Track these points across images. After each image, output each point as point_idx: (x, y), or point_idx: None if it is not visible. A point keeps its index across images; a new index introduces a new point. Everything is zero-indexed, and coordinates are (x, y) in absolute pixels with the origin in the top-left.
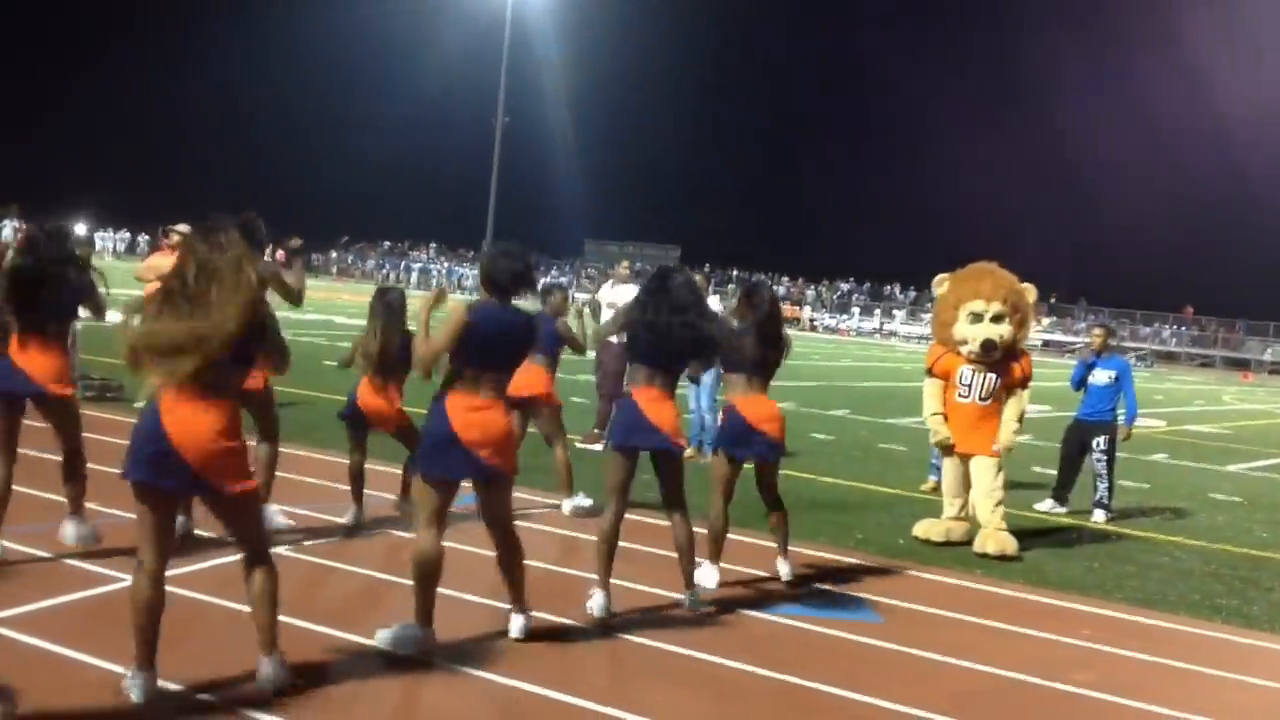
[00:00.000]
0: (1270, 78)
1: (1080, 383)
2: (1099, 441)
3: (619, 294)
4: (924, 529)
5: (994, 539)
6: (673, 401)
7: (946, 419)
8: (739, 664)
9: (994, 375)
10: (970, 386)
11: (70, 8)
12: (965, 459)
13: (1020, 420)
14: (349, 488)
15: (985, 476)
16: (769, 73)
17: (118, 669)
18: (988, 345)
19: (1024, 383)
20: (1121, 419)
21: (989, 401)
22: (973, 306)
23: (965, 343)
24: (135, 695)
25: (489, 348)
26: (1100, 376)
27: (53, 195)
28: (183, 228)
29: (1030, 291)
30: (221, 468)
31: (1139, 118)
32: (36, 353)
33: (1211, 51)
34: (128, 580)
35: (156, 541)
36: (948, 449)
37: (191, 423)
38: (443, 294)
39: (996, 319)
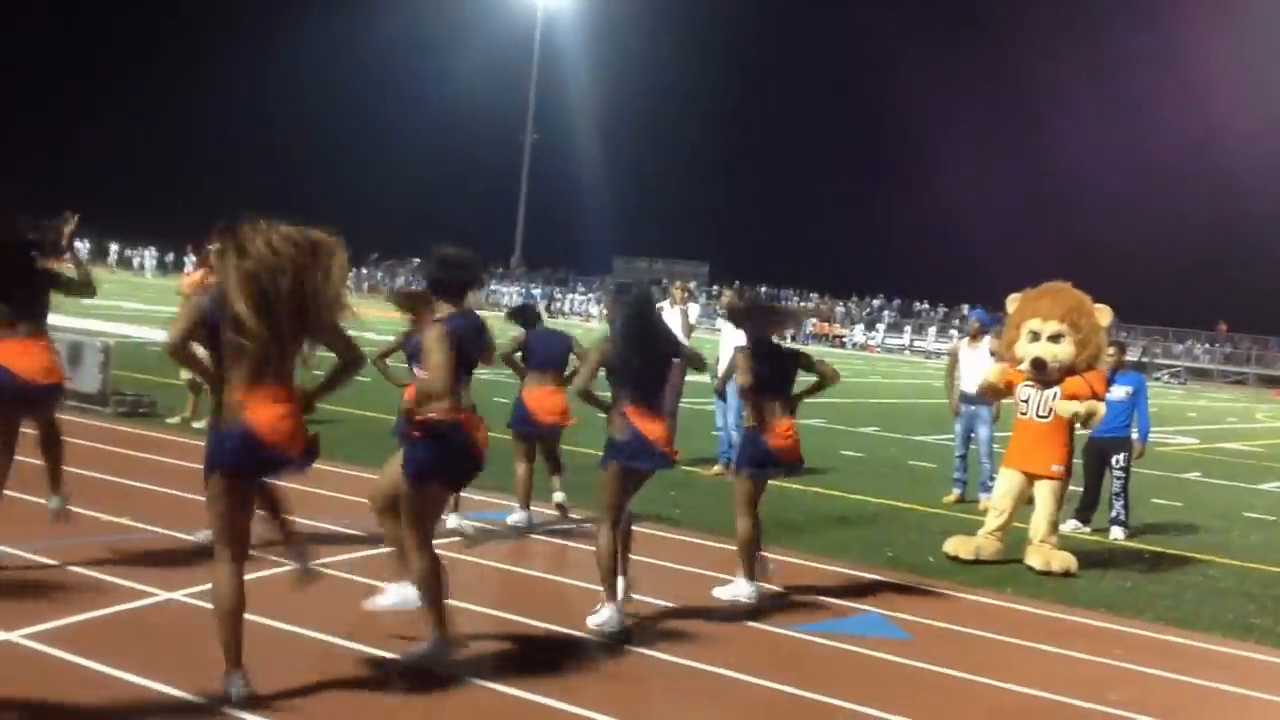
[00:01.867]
0: None
1: None
2: (1118, 459)
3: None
4: (954, 546)
5: (1043, 555)
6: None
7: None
8: (766, 681)
9: (1052, 393)
10: (1029, 403)
11: (102, 25)
12: (1029, 477)
13: (1083, 416)
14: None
15: (1050, 502)
16: (799, 89)
17: (147, 683)
18: (1037, 363)
19: (1094, 399)
20: (1136, 436)
21: (1049, 418)
22: (1031, 325)
23: (1021, 361)
24: (237, 695)
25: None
26: (1117, 392)
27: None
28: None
29: (1104, 313)
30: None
31: (1178, 131)
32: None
33: (1249, 60)
34: (158, 595)
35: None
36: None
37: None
38: None
39: (1054, 338)
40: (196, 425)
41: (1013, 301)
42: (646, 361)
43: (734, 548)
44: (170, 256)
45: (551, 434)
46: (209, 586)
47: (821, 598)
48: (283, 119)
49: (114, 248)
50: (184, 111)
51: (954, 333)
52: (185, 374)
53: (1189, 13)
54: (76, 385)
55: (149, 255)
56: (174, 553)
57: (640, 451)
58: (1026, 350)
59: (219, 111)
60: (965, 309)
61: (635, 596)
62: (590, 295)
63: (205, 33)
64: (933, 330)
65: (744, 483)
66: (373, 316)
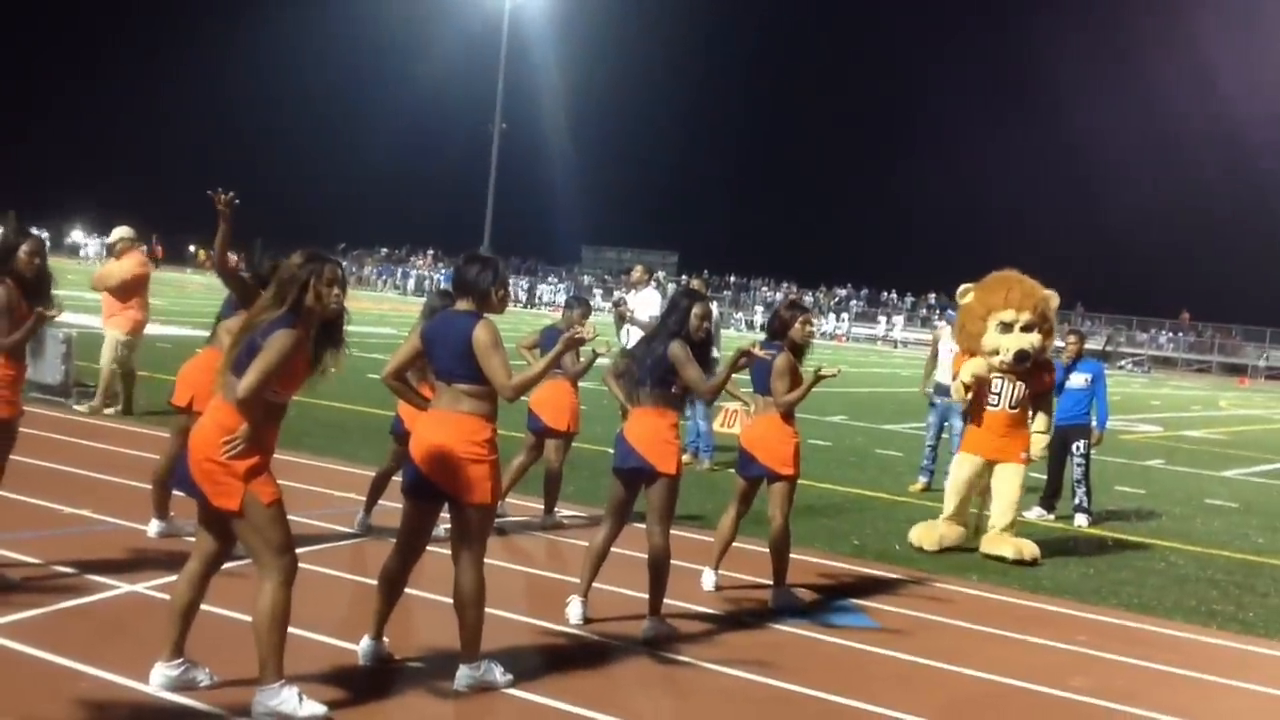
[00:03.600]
0: (1270, 82)
1: (1060, 388)
2: (1078, 445)
3: (641, 302)
4: (919, 535)
5: (1013, 544)
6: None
7: (973, 422)
8: (732, 670)
9: (1023, 384)
10: (1001, 395)
11: (66, 14)
12: (989, 465)
13: (1047, 430)
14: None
15: (1013, 485)
16: (766, 79)
17: (111, 677)
18: (1021, 356)
19: (1050, 391)
20: (1095, 423)
21: (1018, 409)
22: (1003, 316)
23: (996, 352)
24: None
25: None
26: (1076, 380)
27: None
28: (123, 231)
29: (1054, 299)
30: None
31: (1137, 124)
32: None
33: (1212, 57)
34: (120, 589)
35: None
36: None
37: None
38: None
39: (1026, 328)
40: (108, 412)
41: (966, 292)
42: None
43: (703, 538)
44: (144, 248)
45: (559, 439)
46: (170, 579)
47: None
48: (249, 110)
49: (81, 237)
50: (147, 104)
51: (938, 323)
52: (109, 362)
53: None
54: (38, 376)
55: (102, 243)
56: (134, 545)
57: (619, 453)
58: (1000, 341)
59: (184, 103)
60: (931, 298)
61: (605, 587)
62: (559, 285)
63: (170, 19)
64: (900, 319)
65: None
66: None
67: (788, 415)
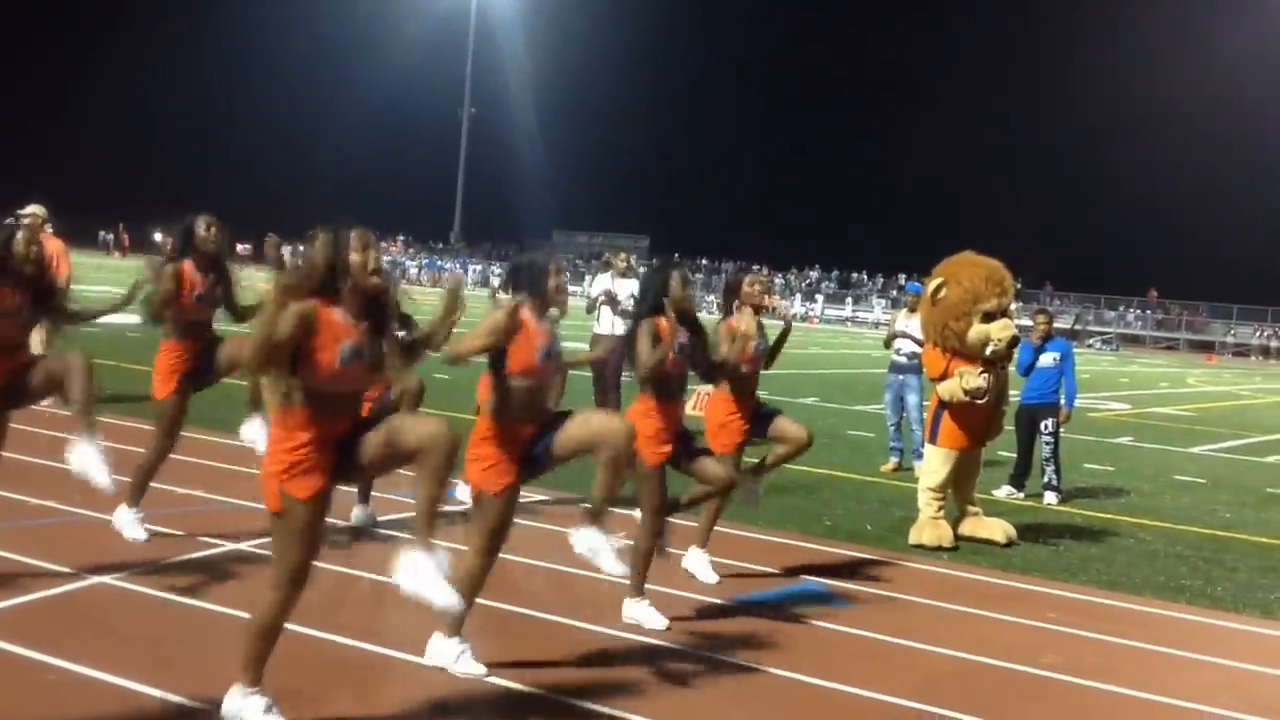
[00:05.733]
0: (1223, 62)
1: (1029, 368)
2: (1047, 424)
3: (621, 289)
4: (927, 537)
5: (1000, 526)
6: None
7: (955, 415)
8: (703, 651)
9: (1000, 370)
10: (989, 388)
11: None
12: (965, 453)
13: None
14: None
15: (980, 465)
16: (734, 60)
17: (80, 670)
18: (1014, 341)
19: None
20: (1063, 401)
21: (1001, 395)
22: (987, 307)
23: (987, 344)
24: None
25: None
26: (1044, 359)
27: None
28: (35, 209)
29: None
30: None
31: (1099, 101)
32: None
33: (1163, 34)
34: (88, 580)
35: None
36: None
37: None
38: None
39: (1005, 311)
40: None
41: (940, 286)
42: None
43: (686, 523)
44: (111, 237)
45: None
46: (132, 569)
47: (760, 567)
48: (216, 97)
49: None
50: (108, 86)
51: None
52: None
53: None
54: None
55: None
56: (100, 535)
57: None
58: (990, 331)
59: (147, 89)
60: (902, 279)
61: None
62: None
63: (133, 3)
64: (879, 304)
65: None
66: None
67: (727, 387)
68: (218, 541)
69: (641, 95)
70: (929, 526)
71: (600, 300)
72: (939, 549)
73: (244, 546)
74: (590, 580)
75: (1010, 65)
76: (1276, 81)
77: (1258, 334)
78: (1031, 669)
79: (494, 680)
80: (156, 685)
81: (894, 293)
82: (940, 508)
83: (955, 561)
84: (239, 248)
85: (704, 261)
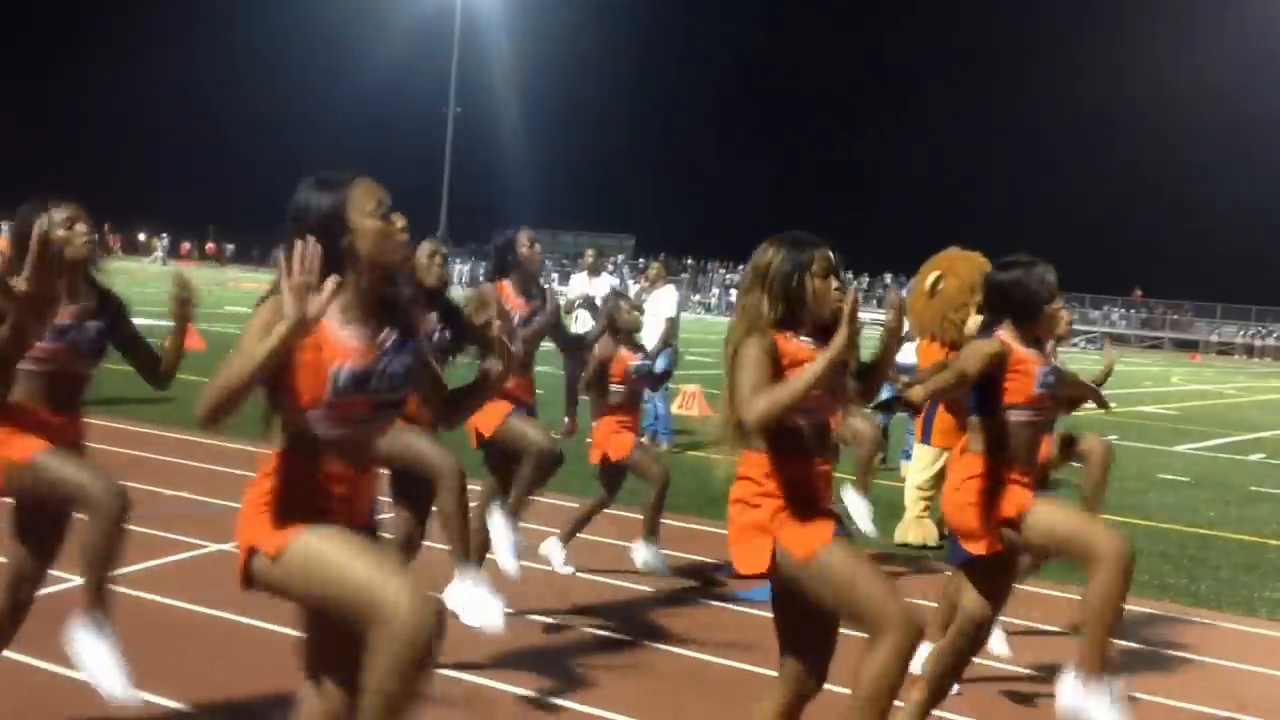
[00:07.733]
0: (1212, 61)
1: None
2: None
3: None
4: (913, 536)
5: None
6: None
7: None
8: (683, 650)
9: None
10: None
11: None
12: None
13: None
14: None
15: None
16: (720, 59)
17: (66, 673)
18: None
19: None
20: None
21: None
22: (978, 298)
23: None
24: None
25: None
26: None
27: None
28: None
29: None
30: None
31: (1091, 100)
32: None
33: (1150, 30)
34: (71, 582)
35: None
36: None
37: None
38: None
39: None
40: None
41: (940, 279)
42: None
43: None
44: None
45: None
46: (119, 571)
47: None
48: (200, 95)
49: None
50: (94, 84)
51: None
52: None
53: None
54: None
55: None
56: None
57: None
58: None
59: (133, 87)
60: (888, 278)
61: (586, 577)
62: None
63: (119, 2)
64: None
65: None
66: None
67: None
68: (202, 543)
69: (628, 94)
70: (914, 525)
71: (578, 304)
72: (924, 547)
73: (228, 548)
74: (566, 577)
75: (995, 65)
76: (1261, 81)
77: (1241, 333)
78: (1015, 667)
79: (474, 680)
80: (142, 688)
81: (880, 291)
82: (926, 506)
83: (938, 559)
84: (208, 246)
85: (689, 260)
